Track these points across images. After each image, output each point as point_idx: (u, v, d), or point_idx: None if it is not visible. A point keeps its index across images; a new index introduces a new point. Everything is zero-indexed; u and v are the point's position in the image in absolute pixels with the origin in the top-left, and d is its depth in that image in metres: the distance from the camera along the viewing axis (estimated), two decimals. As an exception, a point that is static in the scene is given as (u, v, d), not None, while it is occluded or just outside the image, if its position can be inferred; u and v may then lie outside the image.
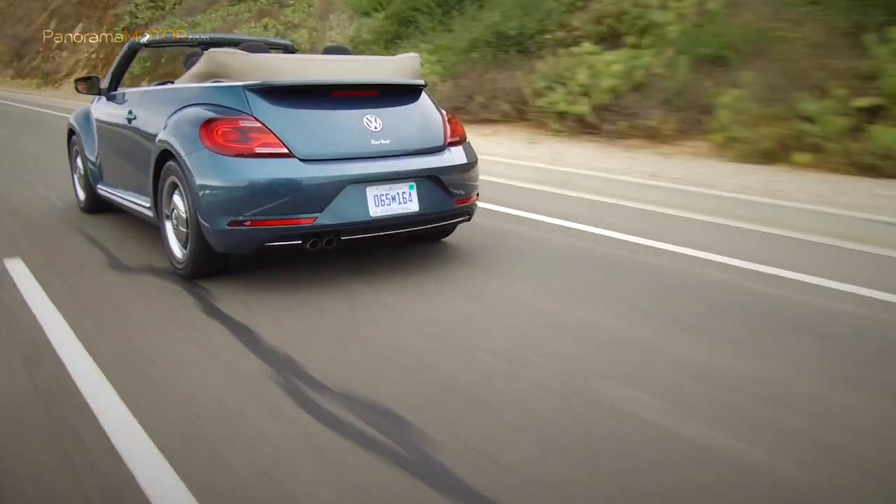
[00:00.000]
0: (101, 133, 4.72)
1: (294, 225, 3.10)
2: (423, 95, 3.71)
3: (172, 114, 3.52)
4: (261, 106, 3.21)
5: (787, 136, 5.79)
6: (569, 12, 9.09)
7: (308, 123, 3.27)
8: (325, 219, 3.13)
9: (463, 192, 3.61)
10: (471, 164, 3.69)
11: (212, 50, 3.40)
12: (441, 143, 3.61)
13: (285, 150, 3.13)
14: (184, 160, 3.21)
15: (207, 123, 3.19)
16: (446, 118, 3.74)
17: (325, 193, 3.12)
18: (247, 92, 3.24)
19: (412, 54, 3.84)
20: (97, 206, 4.96)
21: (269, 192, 3.07)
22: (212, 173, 3.12)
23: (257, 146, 3.12)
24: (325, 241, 3.20)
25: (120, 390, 2.28)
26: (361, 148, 3.29)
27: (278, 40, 5.81)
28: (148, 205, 3.83)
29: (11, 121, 14.37)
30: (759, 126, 5.98)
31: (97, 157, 4.80)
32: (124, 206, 4.34)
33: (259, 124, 3.16)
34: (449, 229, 3.98)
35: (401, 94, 3.62)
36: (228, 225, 3.10)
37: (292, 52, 5.03)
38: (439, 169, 3.48)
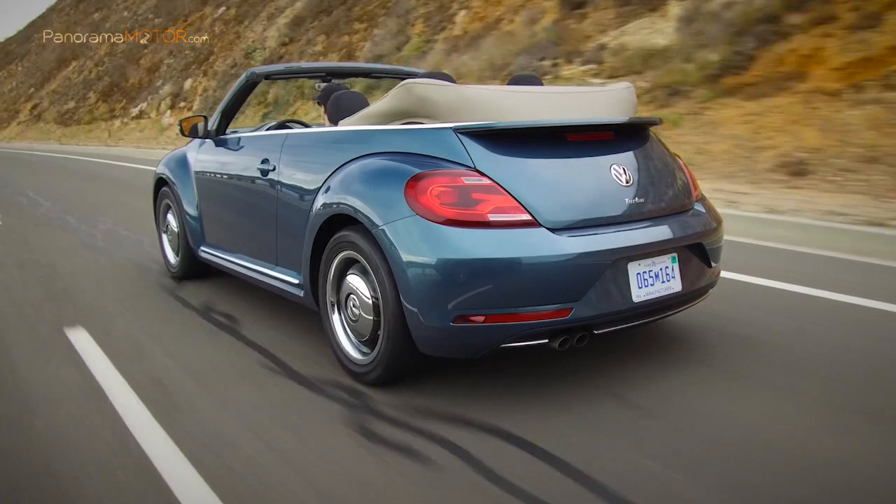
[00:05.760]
0: (207, 185, 3.85)
1: (544, 320, 2.25)
2: (653, 136, 2.88)
3: (341, 166, 2.69)
4: (483, 156, 2.37)
5: None
6: None
7: (547, 178, 2.42)
8: (582, 309, 2.27)
9: (717, 261, 2.78)
10: (720, 223, 2.86)
11: (408, 81, 2.56)
12: (692, 198, 2.78)
13: (528, 217, 2.29)
14: (382, 231, 2.36)
15: (416, 180, 2.34)
16: (684, 165, 2.92)
17: (585, 274, 2.27)
18: (461, 136, 2.40)
19: (626, 84, 3.01)
20: (194, 271, 4.12)
21: (513, 275, 2.21)
22: (430, 250, 2.25)
23: (490, 211, 2.27)
24: (578, 337, 2.35)
25: None
26: (617, 210, 2.45)
27: (419, 71, 4.25)
28: (296, 281, 2.97)
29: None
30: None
31: (198, 213, 3.96)
32: (245, 276, 3.48)
33: (487, 181, 2.32)
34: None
35: (633, 135, 2.78)
36: (453, 321, 2.24)
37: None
38: (702, 233, 2.65)
